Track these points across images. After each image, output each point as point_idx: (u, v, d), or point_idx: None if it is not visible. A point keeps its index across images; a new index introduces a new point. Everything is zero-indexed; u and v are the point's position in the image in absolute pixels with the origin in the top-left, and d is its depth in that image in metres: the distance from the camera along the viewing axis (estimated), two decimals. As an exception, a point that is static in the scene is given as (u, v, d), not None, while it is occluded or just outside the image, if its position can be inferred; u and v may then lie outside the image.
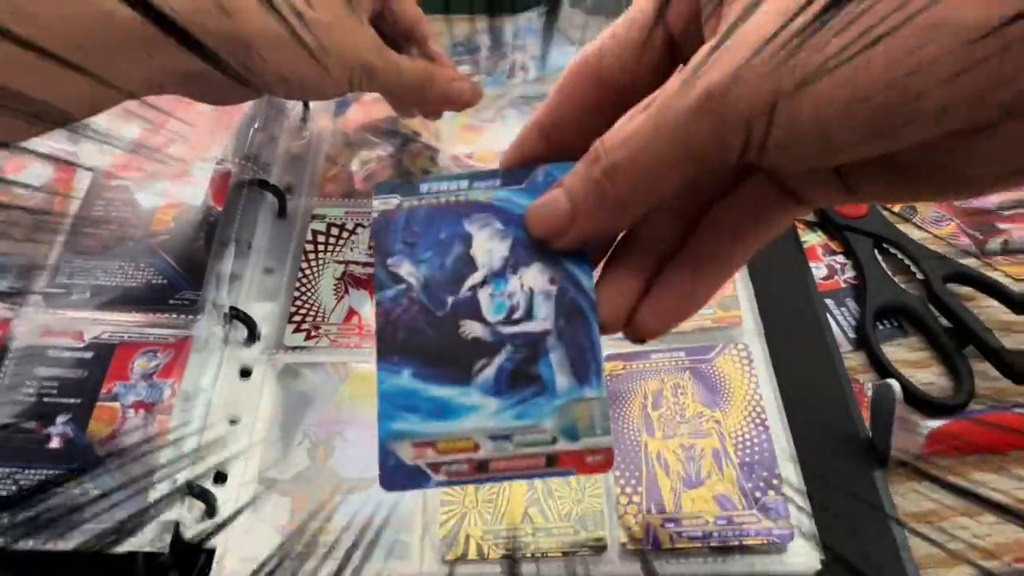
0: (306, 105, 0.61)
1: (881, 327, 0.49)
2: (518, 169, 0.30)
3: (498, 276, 0.29)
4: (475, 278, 0.29)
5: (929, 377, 0.47)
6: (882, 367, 0.47)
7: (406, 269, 0.29)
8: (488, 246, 0.30)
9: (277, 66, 0.43)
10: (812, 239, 0.54)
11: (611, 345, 0.47)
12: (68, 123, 0.40)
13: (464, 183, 0.30)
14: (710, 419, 0.44)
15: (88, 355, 0.47)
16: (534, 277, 0.29)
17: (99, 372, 0.47)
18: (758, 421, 0.44)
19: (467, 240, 0.30)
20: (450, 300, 0.29)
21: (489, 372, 0.27)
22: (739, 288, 0.49)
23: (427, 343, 0.28)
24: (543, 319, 0.28)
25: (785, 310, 0.49)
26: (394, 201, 0.31)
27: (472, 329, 0.28)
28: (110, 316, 0.49)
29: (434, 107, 0.52)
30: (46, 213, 0.53)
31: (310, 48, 0.42)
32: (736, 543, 0.40)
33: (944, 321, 0.49)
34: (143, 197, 0.54)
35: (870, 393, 0.46)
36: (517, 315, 0.29)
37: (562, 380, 0.27)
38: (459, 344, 0.28)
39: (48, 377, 0.46)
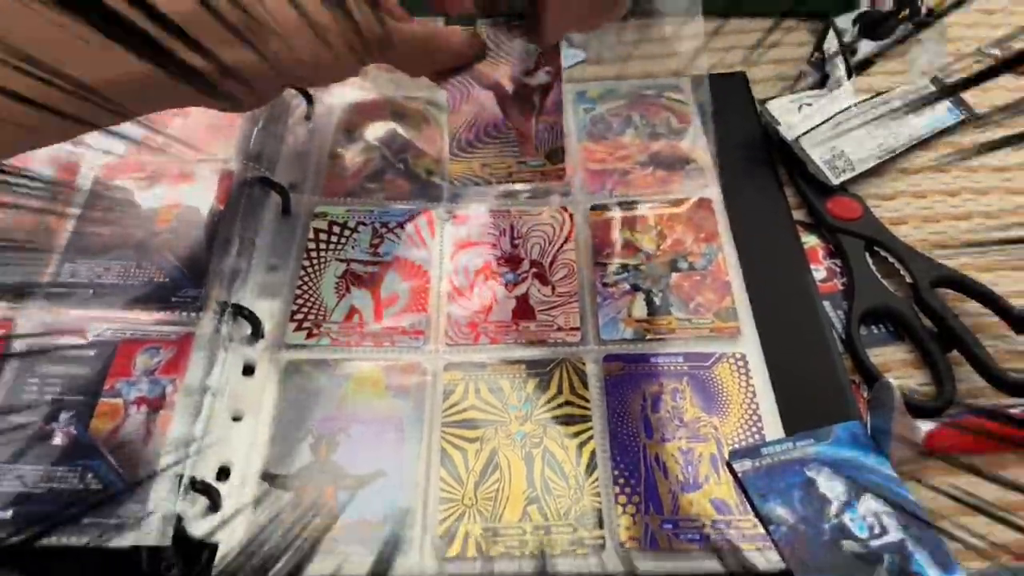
0: (310, 101, 0.61)
1: (875, 331, 0.50)
2: (821, 430, 0.43)
3: (847, 505, 0.40)
4: (833, 509, 0.40)
5: (913, 380, 0.48)
6: (865, 370, 0.48)
7: (781, 511, 0.40)
8: (829, 484, 0.41)
9: (293, 50, 0.42)
10: (811, 241, 0.55)
11: (609, 347, 0.48)
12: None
13: (789, 444, 0.43)
14: (708, 424, 0.45)
15: (91, 352, 0.48)
16: (871, 502, 0.40)
17: (102, 369, 0.47)
18: (755, 429, 0.44)
19: (813, 483, 0.41)
20: (825, 527, 0.39)
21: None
22: (737, 300, 0.50)
23: (826, 563, 0.38)
24: (895, 531, 0.39)
25: (784, 314, 0.49)
26: (748, 463, 0.42)
27: (852, 547, 0.38)
28: (112, 314, 0.49)
29: (444, 64, 0.53)
30: (48, 213, 0.53)
31: (319, 30, 0.42)
32: (732, 546, 0.40)
33: (930, 325, 0.49)
34: (145, 196, 0.54)
35: (866, 395, 0.46)
36: (876, 531, 0.39)
37: (933, 573, 0.38)
38: (848, 560, 0.38)
39: (51, 374, 0.47)
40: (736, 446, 0.44)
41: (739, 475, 0.41)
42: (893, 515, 0.39)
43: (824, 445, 0.42)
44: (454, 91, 0.50)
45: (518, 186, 0.56)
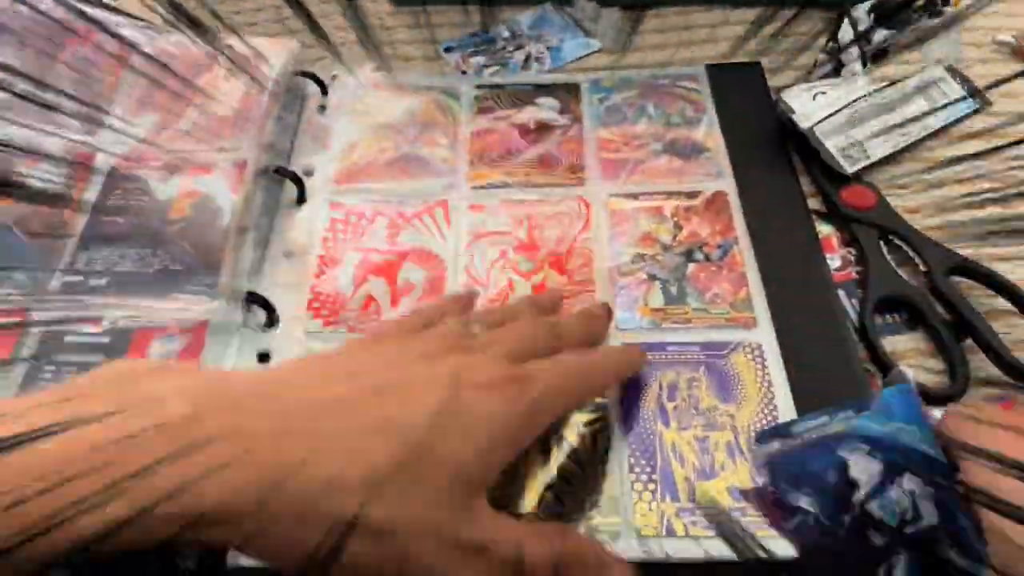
0: (324, 91, 0.61)
1: (889, 319, 0.50)
2: (863, 398, 0.39)
3: (879, 489, 0.37)
4: (859, 496, 0.37)
5: (927, 369, 0.48)
6: (879, 358, 0.47)
7: (802, 500, 0.37)
8: (864, 465, 0.38)
9: None
10: (826, 230, 0.54)
11: (626, 335, 0.48)
12: None
13: (825, 418, 0.40)
14: (724, 413, 0.45)
15: (106, 340, 0.48)
16: (910, 482, 0.37)
17: (117, 357, 0.47)
18: (771, 418, 0.44)
19: (843, 465, 0.38)
20: (845, 518, 0.37)
21: (899, 571, 0.35)
22: (753, 291, 0.50)
23: (841, 553, 0.36)
24: (930, 516, 0.36)
25: (800, 303, 0.49)
26: (775, 445, 0.40)
27: (875, 538, 0.36)
28: (128, 302, 0.49)
29: None
30: (64, 202, 0.53)
31: None
32: (749, 534, 0.40)
33: (944, 313, 0.49)
34: (160, 186, 0.54)
35: (881, 383, 0.46)
36: (909, 517, 0.36)
37: (962, 562, 0.34)
38: (866, 552, 0.35)
39: (66, 363, 0.47)
40: (762, 428, 0.44)
41: (767, 460, 0.40)
42: (931, 497, 0.37)
43: (866, 416, 0.40)
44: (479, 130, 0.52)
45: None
